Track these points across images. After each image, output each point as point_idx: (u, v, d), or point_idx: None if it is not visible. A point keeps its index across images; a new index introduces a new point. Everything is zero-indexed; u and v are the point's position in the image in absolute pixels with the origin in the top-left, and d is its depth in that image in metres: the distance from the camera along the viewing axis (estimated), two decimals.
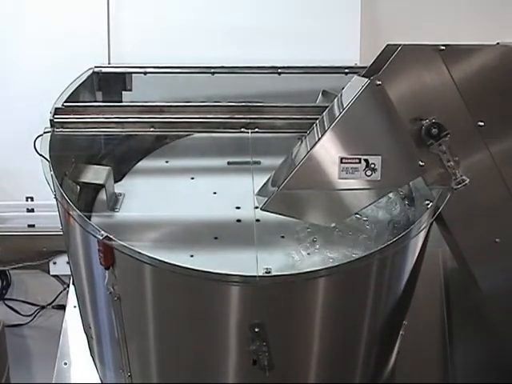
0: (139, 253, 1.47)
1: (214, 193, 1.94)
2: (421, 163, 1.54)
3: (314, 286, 1.52)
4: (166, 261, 1.45)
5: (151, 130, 1.81)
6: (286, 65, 2.20)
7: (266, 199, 1.58)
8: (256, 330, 1.49)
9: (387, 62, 1.50)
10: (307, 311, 1.56)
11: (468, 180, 1.55)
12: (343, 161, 1.53)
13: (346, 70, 2.16)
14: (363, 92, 1.51)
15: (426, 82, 1.52)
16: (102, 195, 1.86)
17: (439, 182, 1.57)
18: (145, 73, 2.18)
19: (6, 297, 2.85)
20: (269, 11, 2.37)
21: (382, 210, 1.84)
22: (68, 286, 2.54)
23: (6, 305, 2.85)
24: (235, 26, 2.35)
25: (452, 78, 1.52)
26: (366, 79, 1.52)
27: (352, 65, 2.20)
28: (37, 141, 1.72)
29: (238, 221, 1.81)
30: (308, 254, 1.70)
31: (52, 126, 1.79)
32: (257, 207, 1.64)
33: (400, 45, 1.51)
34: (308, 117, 1.76)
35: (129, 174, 2.04)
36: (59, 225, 1.80)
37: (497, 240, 1.64)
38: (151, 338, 1.64)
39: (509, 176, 1.60)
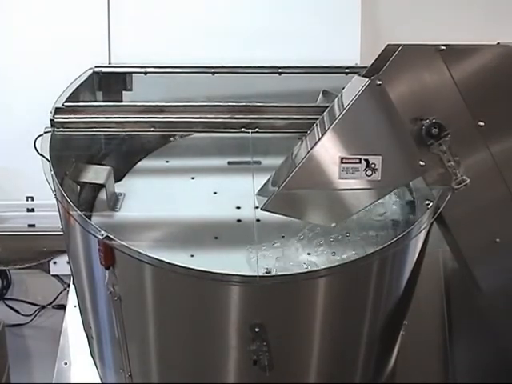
0: (139, 253, 1.47)
1: (215, 193, 1.94)
2: (421, 163, 1.54)
3: (314, 286, 1.52)
4: (166, 261, 1.45)
5: (151, 130, 1.81)
6: (286, 65, 2.20)
7: (267, 199, 1.57)
8: (256, 329, 1.49)
9: (387, 62, 1.50)
10: (307, 311, 1.56)
11: (468, 180, 1.55)
12: (343, 161, 1.52)
13: (347, 70, 2.17)
14: (363, 92, 1.51)
15: (426, 82, 1.52)
16: (103, 195, 1.86)
17: (439, 181, 1.57)
18: (145, 73, 2.19)
19: (6, 297, 2.84)
20: (269, 11, 2.37)
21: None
22: (68, 285, 2.55)
23: (6, 305, 2.85)
24: (235, 26, 2.36)
25: (452, 78, 1.52)
26: (367, 79, 1.52)
27: (352, 65, 2.20)
28: (37, 141, 1.72)
29: (239, 221, 1.81)
30: (308, 254, 1.70)
31: (52, 125, 1.79)
32: (257, 207, 1.64)
33: (400, 45, 1.50)
34: (308, 117, 1.76)
35: (129, 173, 2.04)
36: (59, 225, 1.80)
37: (497, 240, 1.64)
38: (151, 338, 1.64)
39: (509, 176, 1.60)
